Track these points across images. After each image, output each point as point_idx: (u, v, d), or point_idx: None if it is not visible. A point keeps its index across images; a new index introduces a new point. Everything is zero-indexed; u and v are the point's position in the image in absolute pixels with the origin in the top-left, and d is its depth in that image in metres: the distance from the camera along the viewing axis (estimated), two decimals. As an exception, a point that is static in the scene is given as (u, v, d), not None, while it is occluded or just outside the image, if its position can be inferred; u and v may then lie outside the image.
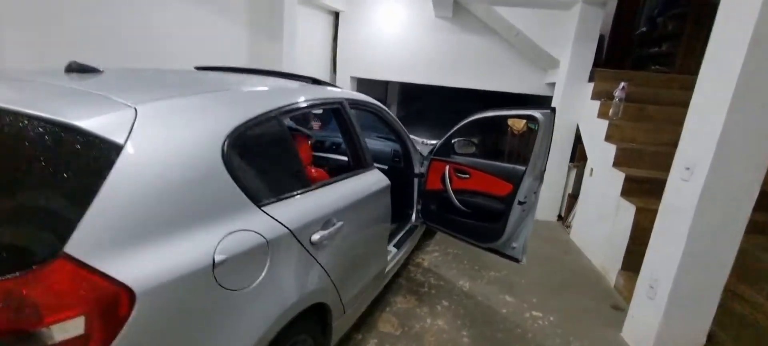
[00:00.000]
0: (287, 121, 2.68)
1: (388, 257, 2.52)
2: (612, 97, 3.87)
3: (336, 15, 6.86)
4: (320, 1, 6.26)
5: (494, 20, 5.40)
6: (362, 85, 7.67)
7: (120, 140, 0.98)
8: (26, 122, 0.95)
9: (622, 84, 3.76)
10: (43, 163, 0.92)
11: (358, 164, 2.09)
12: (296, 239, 1.39)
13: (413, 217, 3.14)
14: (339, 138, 3.54)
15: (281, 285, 1.30)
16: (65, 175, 0.92)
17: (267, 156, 1.45)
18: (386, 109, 2.73)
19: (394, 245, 2.73)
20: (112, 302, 0.87)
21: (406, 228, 3.01)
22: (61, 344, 0.80)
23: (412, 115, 7.87)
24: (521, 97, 5.91)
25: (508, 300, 2.90)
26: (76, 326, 0.82)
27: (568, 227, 4.46)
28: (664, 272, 2.28)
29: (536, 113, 2.46)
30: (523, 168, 2.50)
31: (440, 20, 6.22)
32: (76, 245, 0.85)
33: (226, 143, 1.21)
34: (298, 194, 1.47)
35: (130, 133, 1.00)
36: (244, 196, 1.24)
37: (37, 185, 0.92)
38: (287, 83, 1.97)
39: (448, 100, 8.17)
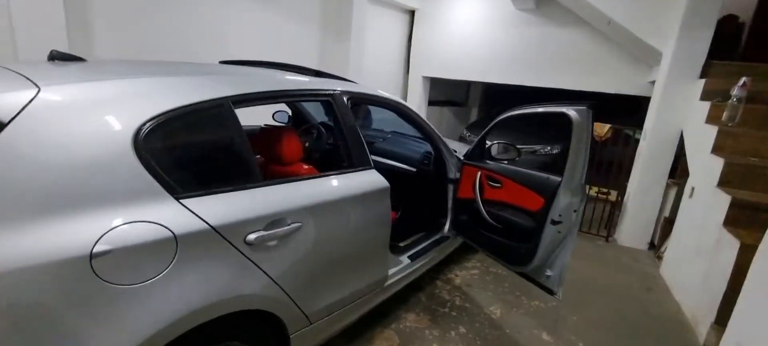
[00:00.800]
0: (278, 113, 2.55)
1: (395, 269, 2.28)
2: (728, 97, 2.96)
3: (412, 14, 6.71)
4: (394, 0, 6.19)
5: (582, 9, 4.65)
6: (438, 86, 7.37)
7: (4, 119, 0.97)
8: None
9: (743, 80, 2.83)
10: None
11: (347, 162, 1.90)
12: (222, 236, 1.27)
13: (446, 227, 2.82)
14: (375, 135, 3.39)
15: (190, 285, 1.19)
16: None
17: (199, 147, 1.36)
18: (409, 107, 2.48)
19: (409, 256, 2.47)
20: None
21: (432, 239, 2.71)
22: None
23: (492, 118, 7.28)
24: (619, 98, 4.99)
25: (543, 339, 2.40)
26: None
27: (659, 258, 3.57)
28: (756, 332, 1.60)
29: (570, 111, 1.97)
30: (558, 179, 2.02)
31: (522, 13, 5.64)
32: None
33: (142, 130, 1.15)
34: (235, 190, 1.36)
35: (20, 111, 1.00)
36: (158, 186, 1.17)
37: None
38: (275, 74, 1.87)
39: (532, 100, 7.35)
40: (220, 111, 1.38)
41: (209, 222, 1.24)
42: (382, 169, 2.95)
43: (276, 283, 1.45)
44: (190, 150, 1.34)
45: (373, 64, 6.32)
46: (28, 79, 1.11)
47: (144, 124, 1.17)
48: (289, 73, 1.98)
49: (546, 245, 2.09)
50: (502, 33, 5.81)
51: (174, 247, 1.16)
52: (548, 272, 2.18)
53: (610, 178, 4.16)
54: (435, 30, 6.44)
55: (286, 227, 1.46)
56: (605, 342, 2.43)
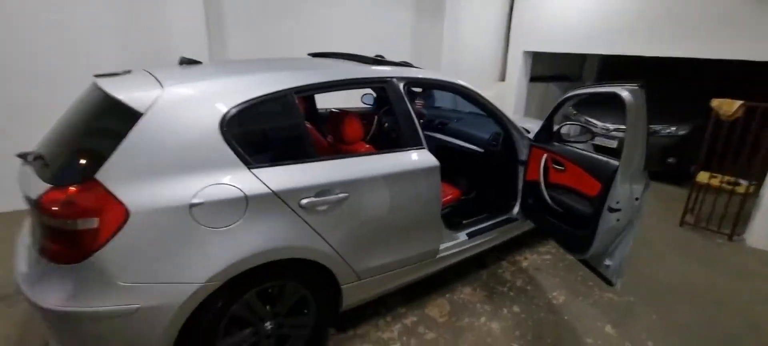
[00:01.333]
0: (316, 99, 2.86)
1: (449, 243, 2.43)
2: None
3: (513, -15, 6.35)
4: (492, -26, 5.96)
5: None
6: (545, 60, 6.84)
7: (141, 110, 1.46)
8: (100, 95, 1.57)
9: None
10: (100, 124, 1.51)
11: (399, 142, 2.12)
12: (281, 199, 1.64)
13: (515, 209, 2.84)
14: (450, 116, 3.49)
15: (256, 233, 1.58)
16: (107, 130, 1.48)
17: (265, 128, 1.74)
18: (472, 88, 2.54)
19: (467, 233, 2.57)
20: (115, 213, 1.37)
21: (496, 219, 2.75)
22: (83, 231, 1.34)
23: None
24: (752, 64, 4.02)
25: (606, 332, 2.28)
26: (92, 223, 1.35)
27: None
28: None
29: (622, 91, 1.82)
30: (617, 163, 1.90)
31: (643, -31, 4.87)
32: (103, 173, 1.38)
33: (226, 117, 1.57)
34: (292, 163, 1.71)
35: (151, 105, 1.48)
36: (236, 159, 1.57)
37: (95, 136, 1.52)
38: (338, 65, 2.17)
39: (663, 74, 6.29)
40: (283, 100, 1.73)
41: (272, 188, 1.61)
42: (449, 149, 3.10)
43: (325, 240, 1.78)
44: (259, 131, 1.73)
45: (470, 41, 6.24)
46: (157, 80, 1.61)
47: (227, 112, 1.58)
48: (353, 63, 2.26)
49: (603, 232, 2.00)
50: (618, -4, 5.11)
51: (245, 204, 1.56)
52: (607, 262, 2.08)
53: (741, 165, 3.46)
54: (538, 1, 5.98)
55: (333, 196, 1.76)
56: (681, 345, 2.20)
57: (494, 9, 6.42)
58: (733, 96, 3.31)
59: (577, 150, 2.29)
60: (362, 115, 3.35)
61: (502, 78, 6.84)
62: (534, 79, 6.93)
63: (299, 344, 1.90)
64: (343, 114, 2.26)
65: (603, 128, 5.29)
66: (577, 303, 2.54)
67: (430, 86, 2.55)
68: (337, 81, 1.96)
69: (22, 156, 1.66)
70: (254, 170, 1.61)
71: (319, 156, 1.81)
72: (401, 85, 2.16)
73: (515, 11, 6.33)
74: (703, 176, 3.70)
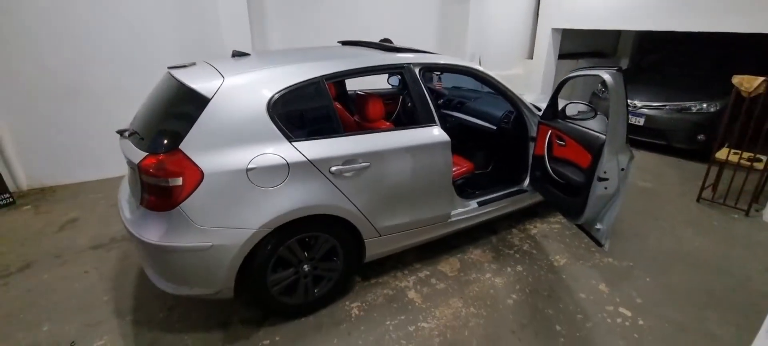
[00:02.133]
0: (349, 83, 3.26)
1: (461, 209, 2.76)
2: None
3: (543, -39, 6.32)
4: (521, -51, 5.99)
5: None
6: (578, 36, 6.79)
7: (209, 96, 1.90)
8: (175, 83, 2.03)
9: None
10: (178, 106, 1.97)
11: (415, 120, 2.46)
12: (315, 166, 2.05)
13: (526, 182, 3.12)
14: (469, 95, 3.76)
15: (296, 192, 2.00)
16: (184, 111, 1.93)
17: (303, 109, 2.13)
18: (485, 71, 2.80)
19: (478, 202, 2.89)
20: (194, 174, 1.83)
21: (506, 190, 3.04)
22: (172, 187, 1.82)
23: (641, 71, 6.40)
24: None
25: (599, 289, 2.56)
26: (178, 181, 1.82)
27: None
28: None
29: (604, 74, 2.05)
30: (604, 137, 2.15)
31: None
32: (184, 145, 1.84)
33: (271, 101, 1.99)
34: (324, 138, 2.10)
35: (216, 92, 1.92)
36: (280, 134, 1.99)
37: (175, 116, 1.98)
38: (363, 53, 2.52)
39: (697, 49, 6.11)
40: (316, 86, 2.12)
41: (308, 157, 2.02)
42: (465, 127, 3.41)
43: (351, 201, 2.19)
44: (298, 112, 2.12)
45: (497, 20, 6.34)
46: (218, 72, 2.04)
47: (272, 96, 1.99)
48: (376, 51, 2.61)
49: (594, 199, 2.26)
50: (651, -30, 5.04)
51: (287, 170, 1.98)
52: (598, 226, 2.35)
53: (761, 141, 3.50)
54: (569, -25, 5.96)
55: (357, 165, 2.15)
56: (668, 303, 2.43)
57: (523, -14, 6.44)
58: (756, 72, 3.34)
59: (576, 126, 2.52)
60: (389, 96, 3.71)
61: (530, 56, 6.90)
62: (564, 56, 6.92)
63: (330, 285, 2.35)
64: (366, 96, 2.63)
65: (630, 105, 5.31)
66: (578, 266, 2.81)
67: (444, 70, 2.83)
68: (360, 68, 2.32)
69: (120, 132, 2.17)
70: (294, 143, 2.02)
71: (345, 132, 2.20)
72: (417, 70, 2.49)
73: (545, -12, 6.33)
74: (722, 153, 3.75)
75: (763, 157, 3.53)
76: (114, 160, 3.19)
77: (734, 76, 3.45)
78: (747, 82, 3.36)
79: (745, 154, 3.61)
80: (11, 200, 3.59)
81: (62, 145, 3.88)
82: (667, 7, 4.99)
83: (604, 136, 2.19)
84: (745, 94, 3.41)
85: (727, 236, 3.23)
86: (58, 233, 3.14)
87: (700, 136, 4.86)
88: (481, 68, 2.78)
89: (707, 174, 3.78)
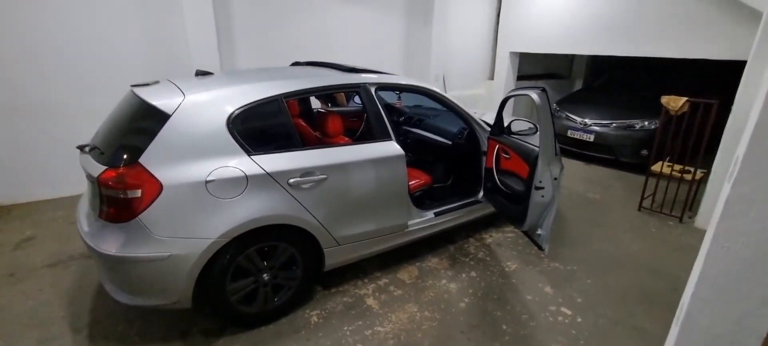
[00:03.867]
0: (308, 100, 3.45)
1: (417, 219, 2.92)
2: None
3: (500, -10, 6.77)
4: (477, -20, 6.40)
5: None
6: (534, 58, 7.25)
7: (170, 112, 2.00)
8: (137, 101, 2.11)
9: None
10: (139, 122, 2.06)
11: (371, 136, 2.62)
12: (273, 178, 2.16)
13: (480, 193, 3.32)
14: (427, 113, 3.98)
15: (254, 203, 2.10)
16: (145, 127, 2.02)
17: (262, 125, 2.26)
18: (437, 90, 3.01)
19: (434, 213, 3.05)
20: (153, 187, 1.91)
21: (460, 202, 3.22)
22: (130, 199, 1.89)
23: (592, 92, 6.89)
24: (727, 64, 4.42)
25: (544, 291, 2.76)
26: (137, 193, 1.89)
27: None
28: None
29: (532, 93, 2.30)
30: (538, 149, 2.38)
31: (614, -23, 5.28)
32: (144, 158, 1.92)
33: (231, 116, 2.10)
34: (282, 152, 2.23)
35: (176, 109, 2.02)
36: (239, 148, 2.10)
37: (136, 131, 2.06)
38: (320, 73, 2.69)
39: (641, 72, 6.69)
40: (274, 103, 2.26)
41: (266, 170, 2.14)
42: (421, 141, 3.61)
43: (309, 212, 2.30)
44: (257, 127, 2.24)
45: (460, 43, 6.70)
46: (180, 89, 2.14)
47: (232, 112, 2.11)
48: (333, 70, 2.78)
49: (533, 206, 2.47)
50: (594, 0, 5.52)
51: (246, 182, 2.09)
52: (539, 231, 2.56)
53: (687, 155, 3.88)
54: (522, 3, 6.42)
55: (314, 177, 2.28)
56: (605, 302, 2.65)
57: (482, 14, 6.87)
58: (708, 93, 3.74)
59: (516, 140, 2.76)
60: (356, 115, 3.88)
61: (491, 77, 7.29)
62: (522, 77, 7.36)
63: (290, 293, 2.43)
64: (326, 113, 2.78)
65: (581, 123, 5.72)
66: (527, 271, 3.02)
67: (399, 89, 3.03)
68: (319, 87, 2.48)
69: (81, 147, 2.22)
70: (253, 157, 2.13)
71: (304, 146, 2.33)
72: (373, 89, 2.67)
73: (502, 15, 6.77)
74: (658, 166, 4.12)
75: (692, 169, 3.90)
76: (73, 179, 3.19)
77: (663, 96, 3.84)
78: (673, 102, 3.75)
79: (677, 167, 3.98)
80: (-38, 219, 3.48)
81: (19, 163, 3.81)
82: (610, 35, 5.47)
83: (537, 148, 2.42)
84: (672, 113, 3.79)
85: (662, 241, 3.53)
86: (12, 252, 3.08)
87: (643, 151, 5.27)
88: (434, 88, 3.00)
89: (645, 185, 4.13)
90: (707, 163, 3.78)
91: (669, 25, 4.80)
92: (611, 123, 5.51)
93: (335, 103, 4.29)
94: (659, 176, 4.06)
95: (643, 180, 4.29)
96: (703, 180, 3.90)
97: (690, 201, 3.93)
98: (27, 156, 3.82)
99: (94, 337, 2.27)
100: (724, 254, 1.54)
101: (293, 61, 3.52)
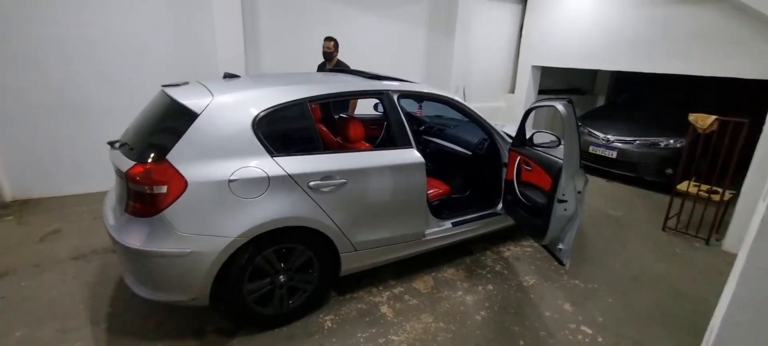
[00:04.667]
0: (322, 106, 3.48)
1: (435, 229, 2.89)
2: None
3: (524, 3, 6.75)
4: (505, -8, 6.39)
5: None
6: (557, 73, 7.17)
7: (198, 112, 2.05)
8: (167, 100, 2.17)
9: None
10: (168, 121, 2.11)
11: (392, 143, 2.62)
12: (294, 180, 2.18)
13: (499, 205, 3.27)
14: (448, 122, 3.97)
15: (275, 204, 2.12)
16: (174, 126, 2.06)
17: (286, 128, 2.28)
18: (460, 100, 3.00)
19: (452, 223, 3.02)
20: (178, 183, 1.94)
21: (479, 213, 3.18)
22: (156, 195, 1.92)
23: (616, 108, 6.77)
24: (755, 82, 4.28)
25: (564, 308, 2.68)
26: (163, 189, 1.93)
27: None
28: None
29: (558, 105, 2.26)
30: (562, 161, 2.33)
31: (642, -9, 5.21)
32: (171, 156, 1.96)
33: (256, 118, 2.13)
34: (304, 154, 2.25)
35: (205, 109, 2.07)
36: (263, 149, 2.13)
37: (165, 129, 2.11)
38: (344, 79, 2.71)
39: (666, 89, 6.54)
40: (299, 107, 2.29)
41: (287, 171, 2.16)
42: (441, 151, 3.59)
43: (328, 215, 2.31)
44: (280, 129, 2.27)
45: (481, 56, 6.69)
46: (208, 90, 2.19)
47: (257, 114, 2.14)
48: (356, 77, 2.80)
49: (555, 220, 2.42)
50: (619, 16, 5.47)
51: (267, 183, 2.11)
52: (560, 246, 2.50)
53: (716, 175, 3.75)
54: (546, 18, 6.39)
55: (335, 181, 2.29)
56: (627, 322, 2.56)
57: (505, 27, 6.85)
58: (735, 111, 3.64)
59: (539, 152, 2.72)
60: (377, 122, 3.90)
61: (512, 90, 7.24)
62: (543, 92, 7.28)
63: (305, 297, 2.42)
64: (349, 119, 2.80)
65: (604, 139, 5.61)
66: (546, 286, 2.94)
67: (422, 98, 3.03)
68: (343, 93, 2.50)
69: (111, 143, 2.28)
70: (275, 158, 2.16)
71: (326, 150, 2.34)
72: (395, 97, 2.68)
73: (525, 28, 6.75)
74: (684, 185, 3.99)
75: (720, 190, 3.76)
76: (101, 175, 3.28)
77: (690, 114, 3.73)
78: (702, 120, 3.64)
79: (704, 187, 3.85)
80: (-7, 210, 3.62)
81: (51, 158, 3.95)
82: (635, 51, 5.37)
83: (561, 161, 2.38)
84: (700, 131, 3.68)
85: (688, 263, 3.40)
86: (39, 244, 3.17)
87: (668, 170, 5.12)
88: (457, 98, 2.99)
89: (671, 205, 4.00)
90: (735, 184, 3.65)
91: (696, 43, 4.69)
92: (635, 140, 5.38)
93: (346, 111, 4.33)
94: (685, 195, 3.93)
95: (666, 199, 4.17)
96: (732, 202, 3.75)
97: (717, 223, 3.79)
98: (58, 152, 3.96)
99: (112, 329, 2.30)
100: (759, 275, 1.48)
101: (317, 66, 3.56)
